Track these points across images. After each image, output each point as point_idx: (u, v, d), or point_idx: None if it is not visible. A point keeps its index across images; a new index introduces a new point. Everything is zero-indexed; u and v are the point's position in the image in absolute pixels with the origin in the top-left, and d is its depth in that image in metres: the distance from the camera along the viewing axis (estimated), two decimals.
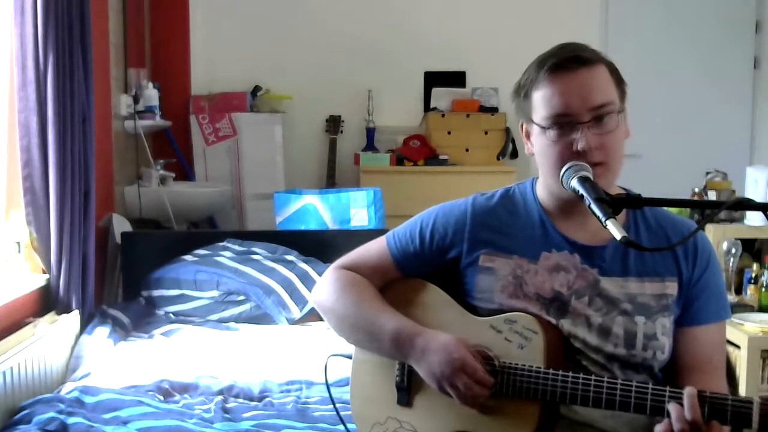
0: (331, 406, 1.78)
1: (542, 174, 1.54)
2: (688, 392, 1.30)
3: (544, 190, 1.56)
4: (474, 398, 1.44)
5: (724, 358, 1.58)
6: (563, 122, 1.44)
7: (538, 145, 1.50)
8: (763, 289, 3.18)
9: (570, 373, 1.41)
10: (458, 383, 1.44)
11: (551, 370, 1.42)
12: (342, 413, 1.77)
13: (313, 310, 3.36)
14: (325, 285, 1.67)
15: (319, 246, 3.70)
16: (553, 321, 1.50)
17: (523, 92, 1.51)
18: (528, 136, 1.55)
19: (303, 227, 4.06)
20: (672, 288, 1.51)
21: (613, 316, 1.49)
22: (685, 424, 1.28)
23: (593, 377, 1.39)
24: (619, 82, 1.49)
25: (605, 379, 1.38)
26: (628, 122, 1.51)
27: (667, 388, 1.33)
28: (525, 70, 1.53)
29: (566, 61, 1.44)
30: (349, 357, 1.71)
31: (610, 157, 1.45)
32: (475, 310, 1.56)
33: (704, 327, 1.53)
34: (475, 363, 1.44)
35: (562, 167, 1.43)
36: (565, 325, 1.49)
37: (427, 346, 1.49)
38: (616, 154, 1.46)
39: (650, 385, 1.34)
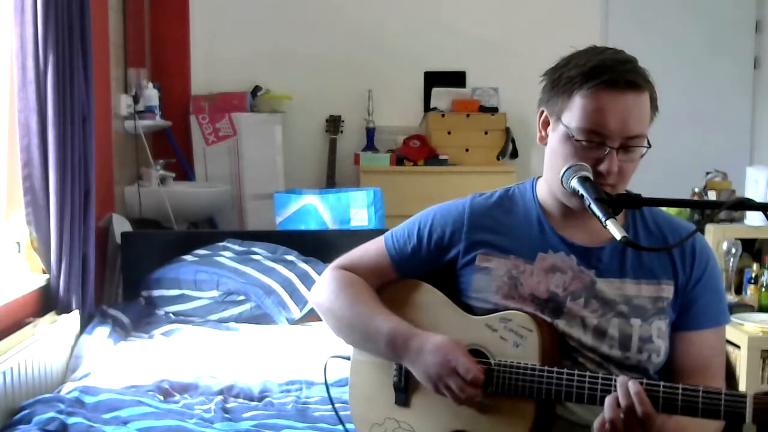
0: (331, 406, 1.79)
1: (548, 171, 1.53)
2: (620, 380, 1.32)
3: (545, 189, 1.56)
4: (468, 399, 1.44)
5: (723, 364, 1.56)
6: (594, 139, 1.42)
7: (556, 143, 1.48)
8: (763, 289, 3.17)
9: (564, 371, 1.40)
10: (452, 384, 1.44)
11: (546, 368, 1.42)
12: (341, 413, 1.78)
13: (313, 310, 3.33)
14: (323, 285, 1.67)
15: (319, 246, 3.70)
16: (548, 320, 1.50)
17: (563, 88, 1.45)
18: (546, 125, 1.52)
19: (303, 227, 4.06)
20: (668, 291, 1.51)
21: (609, 317, 1.49)
22: (614, 412, 1.30)
23: (587, 374, 1.39)
24: (654, 110, 1.47)
25: (600, 376, 1.38)
26: None
27: (661, 384, 1.33)
28: (571, 58, 1.47)
29: (621, 81, 1.40)
30: (348, 358, 1.71)
31: (621, 183, 1.46)
32: (471, 310, 1.56)
33: (702, 332, 1.52)
34: (468, 364, 1.44)
35: None
36: (560, 325, 1.49)
37: (421, 347, 1.49)
38: (627, 180, 1.47)
39: (644, 381, 1.34)
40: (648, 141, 1.45)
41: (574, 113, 1.44)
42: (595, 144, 1.42)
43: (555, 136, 1.49)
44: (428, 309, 1.60)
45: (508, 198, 1.61)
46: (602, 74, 1.41)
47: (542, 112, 1.53)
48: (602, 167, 1.41)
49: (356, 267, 1.67)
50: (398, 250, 1.64)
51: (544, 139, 1.53)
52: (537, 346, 1.45)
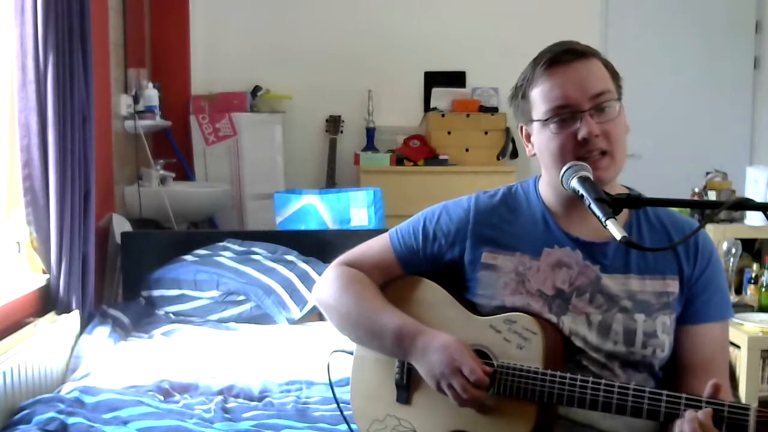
0: (331, 405, 1.78)
1: (545, 170, 1.54)
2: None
3: (546, 186, 1.57)
4: (470, 399, 1.44)
5: (727, 360, 1.56)
6: (564, 113, 1.45)
7: (540, 142, 1.50)
8: (763, 289, 3.18)
9: (567, 375, 1.40)
10: (455, 384, 1.44)
11: (548, 371, 1.42)
12: (343, 412, 1.77)
13: (313, 310, 3.36)
14: (327, 282, 1.67)
15: (319, 246, 3.70)
16: (555, 318, 1.50)
17: (520, 93, 1.52)
18: (528, 138, 1.56)
19: (303, 227, 4.06)
20: (673, 286, 1.51)
21: (613, 313, 1.49)
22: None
23: (590, 379, 1.39)
24: (614, 75, 1.51)
25: (602, 381, 1.38)
26: (627, 120, 1.51)
27: (664, 393, 1.32)
28: (520, 74, 1.54)
29: (561, 55, 1.46)
30: (351, 353, 1.71)
31: (614, 146, 1.46)
32: (475, 308, 1.56)
33: (706, 325, 1.52)
34: (473, 365, 1.44)
35: (564, 159, 1.44)
36: (566, 322, 1.49)
37: (428, 345, 1.49)
38: (619, 142, 1.47)
39: (647, 389, 1.34)
40: (620, 94, 1.49)
41: (537, 105, 1.49)
42: (568, 119, 1.45)
43: (536, 137, 1.52)
44: (432, 307, 1.60)
45: (512, 196, 1.62)
46: (543, 58, 1.48)
47: (521, 127, 1.57)
48: (582, 133, 1.43)
49: (360, 264, 1.67)
50: (403, 247, 1.64)
51: (531, 150, 1.55)
52: (541, 349, 1.45)
